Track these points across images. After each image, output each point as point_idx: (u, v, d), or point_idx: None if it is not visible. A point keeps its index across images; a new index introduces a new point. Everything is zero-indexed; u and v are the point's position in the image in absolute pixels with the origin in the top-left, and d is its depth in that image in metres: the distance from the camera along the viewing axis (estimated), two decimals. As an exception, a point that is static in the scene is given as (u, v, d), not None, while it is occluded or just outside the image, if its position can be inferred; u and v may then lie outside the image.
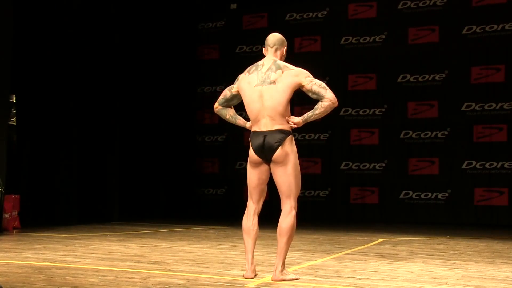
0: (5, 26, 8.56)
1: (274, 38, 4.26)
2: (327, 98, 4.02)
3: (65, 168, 9.96)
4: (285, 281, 4.05)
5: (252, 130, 4.18)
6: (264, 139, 4.06)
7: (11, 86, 8.99)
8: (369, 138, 12.70)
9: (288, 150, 4.06)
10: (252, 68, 4.21)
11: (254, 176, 4.21)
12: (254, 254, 4.24)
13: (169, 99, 13.21)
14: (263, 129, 4.09)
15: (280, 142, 4.04)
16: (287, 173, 4.06)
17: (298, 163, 4.13)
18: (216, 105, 4.42)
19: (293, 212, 4.06)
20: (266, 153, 4.09)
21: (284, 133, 4.06)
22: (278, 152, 4.05)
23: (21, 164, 9.72)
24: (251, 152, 4.17)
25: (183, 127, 13.78)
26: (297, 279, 4.12)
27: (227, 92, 4.34)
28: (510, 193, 11.51)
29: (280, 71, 4.08)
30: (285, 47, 4.28)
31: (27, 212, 9.08)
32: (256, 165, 4.19)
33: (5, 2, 8.55)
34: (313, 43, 13.20)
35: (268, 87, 4.07)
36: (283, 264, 4.09)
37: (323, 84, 4.07)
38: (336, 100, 4.04)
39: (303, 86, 4.06)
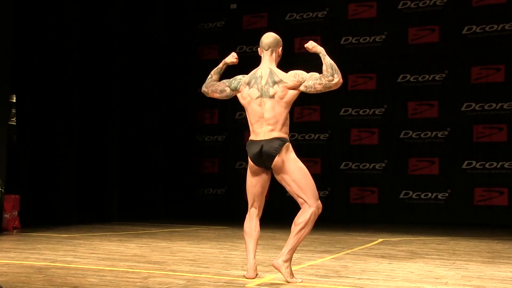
0: (5, 26, 8.56)
1: (268, 40, 4.23)
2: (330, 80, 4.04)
3: (65, 168, 9.95)
4: (281, 273, 4.01)
5: (250, 139, 4.20)
6: (261, 148, 4.08)
7: (11, 86, 8.99)
8: (369, 138, 12.70)
9: (286, 157, 4.06)
10: (251, 81, 4.19)
11: (256, 184, 4.21)
12: (255, 254, 4.23)
13: (169, 99, 13.21)
14: (261, 138, 4.10)
15: (278, 150, 4.04)
16: (292, 180, 4.05)
17: (302, 165, 4.10)
18: (206, 89, 4.49)
19: (312, 210, 4.02)
20: (265, 161, 4.10)
21: (281, 141, 4.06)
22: (277, 159, 4.06)
23: (21, 164, 9.72)
24: (250, 161, 4.19)
25: (183, 127, 13.77)
26: (290, 282, 3.98)
27: (226, 89, 4.34)
28: (510, 193, 11.51)
29: (276, 86, 4.10)
30: (280, 47, 4.27)
31: (27, 212, 9.08)
32: (256, 173, 4.20)
33: (5, 2, 8.55)
34: (313, 43, 13.18)
35: (268, 99, 4.10)
36: (290, 257, 4.02)
37: (317, 78, 4.06)
38: (339, 79, 4.03)
39: (300, 90, 4.10)
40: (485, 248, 6.92)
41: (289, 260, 4.03)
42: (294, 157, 4.10)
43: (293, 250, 4.04)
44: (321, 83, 4.04)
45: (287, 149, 4.08)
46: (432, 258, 5.72)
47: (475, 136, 11.90)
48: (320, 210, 4.08)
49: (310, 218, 4.02)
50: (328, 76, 4.02)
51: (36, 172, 9.85)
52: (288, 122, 4.14)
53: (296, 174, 4.05)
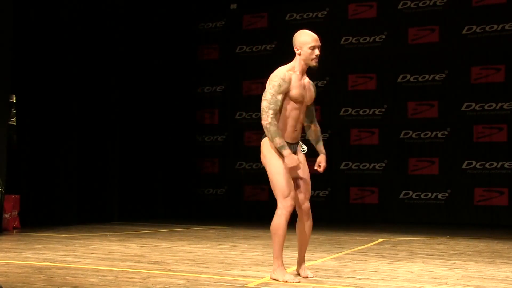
0: (5, 26, 8.56)
1: (293, 38, 4.31)
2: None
3: (65, 168, 9.95)
4: (276, 280, 4.04)
5: None
6: None
7: (11, 86, 8.99)
8: (369, 138, 12.70)
9: (265, 152, 4.12)
10: None
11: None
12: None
13: (169, 99, 13.20)
14: None
15: (259, 144, 4.16)
16: (269, 175, 4.11)
17: (275, 163, 4.04)
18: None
19: (278, 212, 4.02)
20: None
21: (264, 136, 4.14)
22: (261, 154, 4.16)
23: (21, 164, 9.71)
24: None
25: (183, 127, 13.77)
26: (286, 281, 3.98)
27: None
28: (510, 193, 11.52)
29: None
30: (295, 47, 4.29)
31: (27, 212, 9.08)
32: None
33: (5, 2, 8.55)
34: (313, 43, 13.18)
35: None
36: (276, 262, 4.07)
37: (264, 106, 4.00)
38: (264, 125, 4.00)
39: None
40: (485, 248, 6.92)
41: (279, 266, 4.06)
42: (270, 154, 4.07)
43: (276, 256, 4.06)
44: (265, 106, 3.99)
45: (264, 145, 4.13)
46: (432, 258, 5.72)
47: (475, 136, 11.90)
48: (288, 209, 3.98)
49: (278, 223, 4.01)
50: (270, 114, 3.97)
51: (36, 172, 9.84)
52: (280, 119, 4.07)
53: (268, 172, 4.10)
